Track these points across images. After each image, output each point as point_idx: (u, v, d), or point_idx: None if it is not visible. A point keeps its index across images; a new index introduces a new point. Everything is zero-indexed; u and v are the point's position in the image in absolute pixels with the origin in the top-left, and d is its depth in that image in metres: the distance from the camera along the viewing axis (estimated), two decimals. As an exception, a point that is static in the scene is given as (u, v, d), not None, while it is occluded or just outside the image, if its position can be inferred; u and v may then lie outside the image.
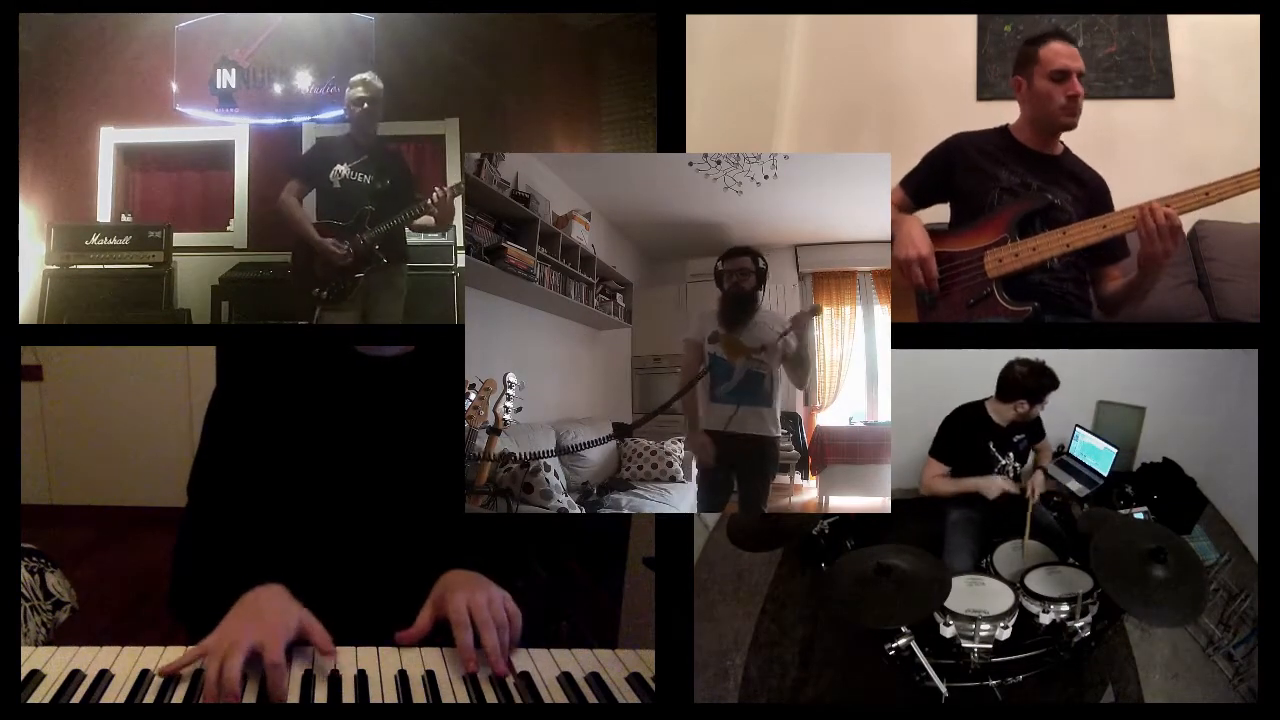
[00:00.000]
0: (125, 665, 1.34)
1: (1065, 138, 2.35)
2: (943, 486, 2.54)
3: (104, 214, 4.19)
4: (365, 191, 3.22)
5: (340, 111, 4.06)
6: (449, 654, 1.42)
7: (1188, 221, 3.18)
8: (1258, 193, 1.99)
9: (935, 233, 2.32)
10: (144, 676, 1.32)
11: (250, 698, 1.27)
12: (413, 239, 3.69)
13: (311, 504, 1.56)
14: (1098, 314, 2.34)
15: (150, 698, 1.28)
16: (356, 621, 1.46)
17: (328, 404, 1.59)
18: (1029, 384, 2.45)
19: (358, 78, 3.31)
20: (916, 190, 2.39)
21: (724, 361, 2.74)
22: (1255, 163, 1.98)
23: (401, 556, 1.57)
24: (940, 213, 2.41)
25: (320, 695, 1.31)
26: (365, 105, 3.26)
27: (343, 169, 3.23)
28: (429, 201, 3.16)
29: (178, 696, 1.28)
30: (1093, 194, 2.29)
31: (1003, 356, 2.49)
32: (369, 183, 3.23)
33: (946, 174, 2.36)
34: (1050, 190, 2.25)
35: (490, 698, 1.33)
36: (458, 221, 3.65)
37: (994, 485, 2.46)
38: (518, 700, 1.32)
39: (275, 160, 4.15)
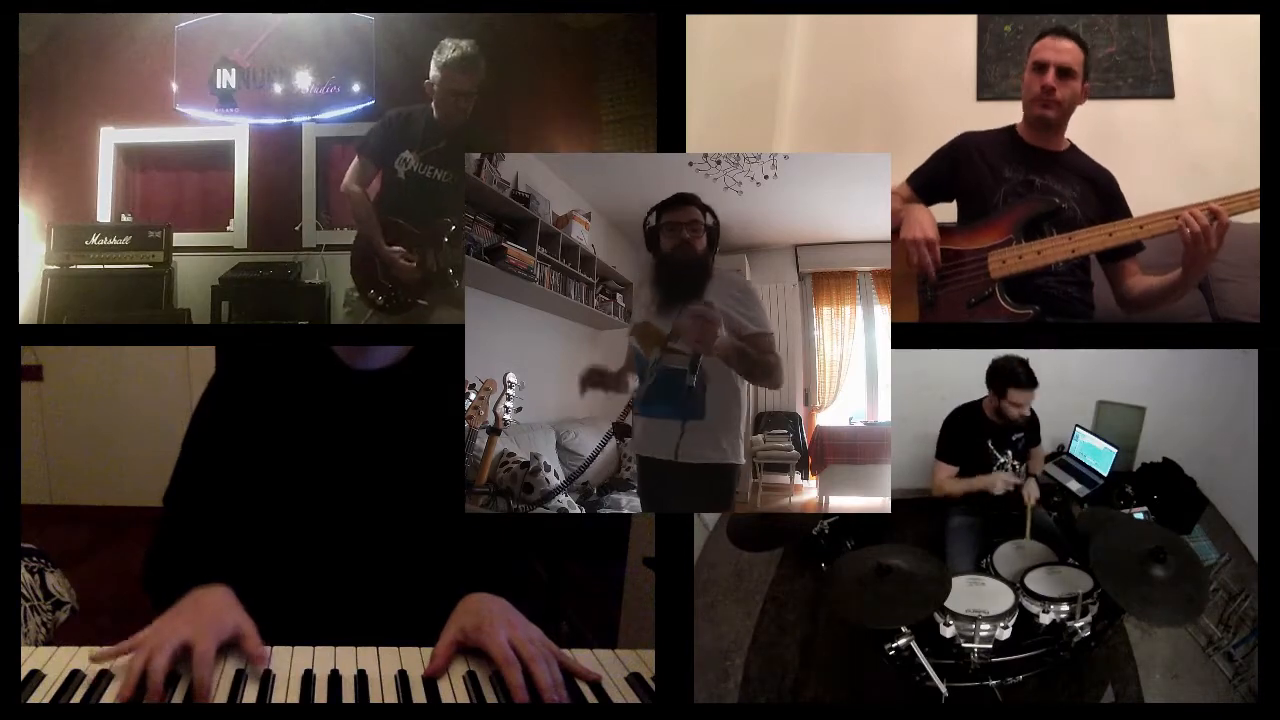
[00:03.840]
0: (125, 665, 1.34)
1: (1073, 135, 2.35)
2: (953, 487, 2.57)
3: (104, 214, 4.18)
4: (434, 191, 2.72)
5: (337, 112, 4.06)
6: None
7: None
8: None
9: (941, 229, 2.32)
10: (144, 677, 1.31)
11: (179, 697, 1.27)
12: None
13: (308, 504, 1.56)
14: (1115, 313, 2.32)
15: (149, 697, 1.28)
16: (357, 621, 1.46)
17: (316, 416, 1.58)
18: (1012, 373, 2.44)
19: (455, 44, 2.69)
20: (922, 186, 2.40)
21: (642, 357, 2.04)
22: (1255, 162, 1.98)
23: (401, 557, 1.57)
24: (948, 213, 2.41)
25: (320, 695, 1.31)
26: (459, 82, 2.64)
27: (410, 157, 2.73)
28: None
29: (178, 696, 1.28)
30: (1100, 190, 2.29)
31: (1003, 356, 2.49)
32: (440, 179, 2.72)
33: (952, 171, 2.36)
34: (1055, 187, 2.25)
35: (490, 698, 1.33)
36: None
37: (998, 480, 2.49)
38: (518, 700, 1.32)
39: (274, 162, 4.14)
